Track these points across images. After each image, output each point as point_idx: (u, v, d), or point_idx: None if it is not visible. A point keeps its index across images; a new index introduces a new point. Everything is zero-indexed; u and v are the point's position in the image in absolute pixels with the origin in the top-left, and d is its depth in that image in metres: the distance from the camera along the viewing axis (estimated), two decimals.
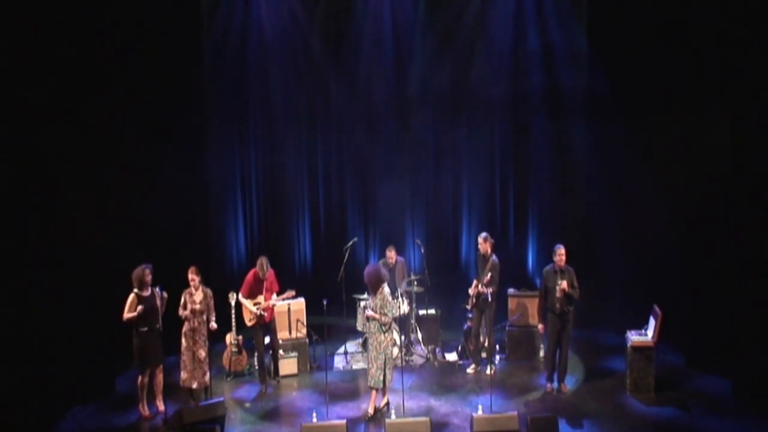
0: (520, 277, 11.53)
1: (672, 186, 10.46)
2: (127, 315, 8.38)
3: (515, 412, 7.96)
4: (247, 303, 9.48)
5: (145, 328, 8.44)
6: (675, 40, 9.96)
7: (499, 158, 12.35)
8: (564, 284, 8.94)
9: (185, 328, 8.86)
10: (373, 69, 12.06)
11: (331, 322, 9.93)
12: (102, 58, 9.47)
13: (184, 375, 8.90)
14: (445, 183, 12.51)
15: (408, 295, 10.54)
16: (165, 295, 8.58)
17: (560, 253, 9.08)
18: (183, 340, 8.87)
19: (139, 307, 8.34)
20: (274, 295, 9.52)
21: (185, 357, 8.86)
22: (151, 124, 10.42)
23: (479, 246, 9.83)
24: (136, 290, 8.42)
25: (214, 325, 8.90)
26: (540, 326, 9.39)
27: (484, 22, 11.68)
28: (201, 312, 8.82)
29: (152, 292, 8.51)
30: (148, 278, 8.46)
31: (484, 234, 9.91)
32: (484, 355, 9.99)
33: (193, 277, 8.81)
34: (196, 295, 8.84)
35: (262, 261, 9.45)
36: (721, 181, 9.46)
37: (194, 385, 8.90)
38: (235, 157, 12.06)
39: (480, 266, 9.83)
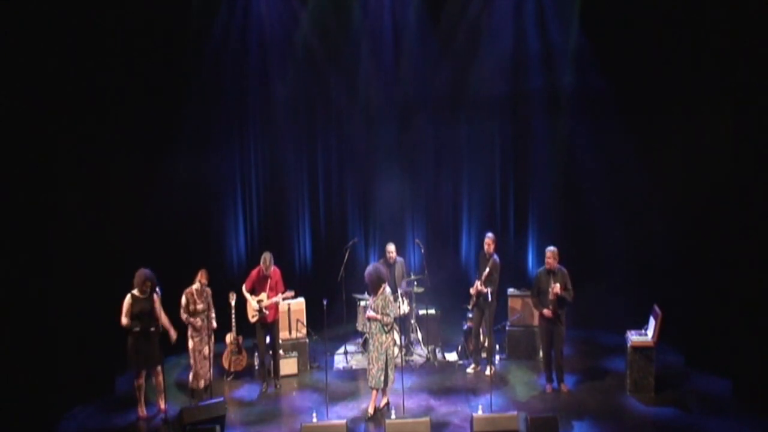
0: (520, 277, 11.52)
1: (672, 185, 10.47)
2: (125, 321, 8.39)
3: (515, 412, 7.96)
4: (249, 297, 9.47)
5: (138, 329, 8.44)
6: (675, 39, 9.96)
7: (499, 158, 12.34)
8: (557, 287, 8.94)
9: (190, 330, 8.90)
10: (373, 68, 12.05)
11: (332, 325, 9.92)
12: (102, 57, 9.47)
13: (190, 376, 8.99)
14: (445, 183, 12.51)
15: (408, 295, 10.54)
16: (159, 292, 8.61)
17: (548, 255, 9.11)
18: (191, 342, 8.91)
19: (125, 320, 8.36)
20: (280, 295, 9.52)
21: (193, 358, 8.94)
22: (151, 124, 10.42)
23: (487, 245, 9.78)
24: (134, 292, 8.43)
25: (215, 323, 9.06)
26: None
27: (484, 21, 11.67)
28: (203, 311, 8.95)
29: (149, 294, 8.52)
30: (148, 286, 8.48)
31: (492, 234, 9.91)
32: (484, 355, 10.00)
33: (203, 281, 8.99)
34: (200, 296, 8.93)
35: (266, 256, 9.41)
36: (722, 181, 9.46)
37: (201, 384, 8.96)
38: (235, 157, 12.05)
39: (482, 265, 9.83)
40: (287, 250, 12.34)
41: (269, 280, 9.42)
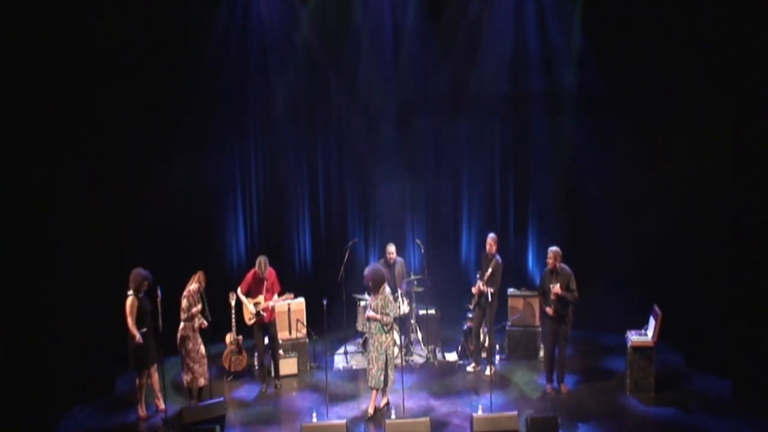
0: (520, 277, 11.53)
1: (672, 186, 10.47)
2: (133, 324, 8.38)
3: (515, 412, 7.96)
4: (245, 301, 9.49)
5: (145, 329, 8.46)
6: (676, 39, 9.96)
7: (499, 158, 12.34)
8: (557, 287, 8.95)
9: (187, 331, 8.86)
10: (373, 68, 12.03)
11: (331, 328, 9.92)
12: (102, 57, 9.48)
13: (188, 377, 8.94)
14: (445, 183, 12.50)
15: (408, 295, 10.54)
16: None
17: (548, 255, 9.15)
18: (189, 344, 8.86)
19: (132, 324, 8.35)
20: (275, 296, 9.53)
21: (192, 357, 8.89)
22: (151, 125, 10.42)
23: (489, 246, 9.79)
24: (133, 293, 8.42)
25: (205, 323, 9.01)
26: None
27: (484, 21, 11.66)
28: (200, 312, 8.95)
29: (144, 293, 8.54)
30: (146, 285, 8.49)
31: (494, 235, 9.92)
32: (484, 355, 10.00)
33: (201, 281, 8.99)
34: (196, 296, 8.94)
35: (261, 260, 9.45)
36: (722, 181, 9.46)
37: (201, 383, 8.98)
38: (235, 157, 12.05)
39: (483, 265, 9.83)
40: (287, 250, 12.34)
41: (265, 282, 9.44)
